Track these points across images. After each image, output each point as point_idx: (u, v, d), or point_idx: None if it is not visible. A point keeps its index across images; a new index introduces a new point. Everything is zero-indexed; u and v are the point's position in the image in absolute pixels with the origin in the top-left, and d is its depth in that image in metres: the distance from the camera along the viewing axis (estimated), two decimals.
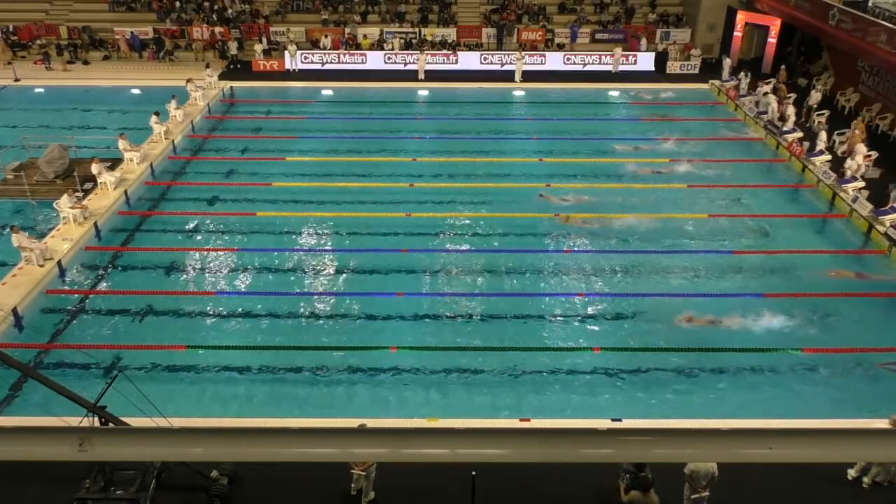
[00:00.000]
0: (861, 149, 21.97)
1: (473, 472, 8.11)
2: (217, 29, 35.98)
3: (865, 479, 11.42)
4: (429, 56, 33.97)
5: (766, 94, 27.69)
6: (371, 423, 11.48)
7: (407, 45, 35.46)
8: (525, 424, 12.83)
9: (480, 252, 19.01)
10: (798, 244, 19.40)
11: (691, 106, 30.77)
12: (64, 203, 19.09)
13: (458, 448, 3.93)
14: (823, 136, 23.72)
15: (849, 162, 22.01)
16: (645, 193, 22.32)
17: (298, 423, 12.65)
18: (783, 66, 30.44)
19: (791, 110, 25.86)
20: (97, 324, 16.10)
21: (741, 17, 34.24)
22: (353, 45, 35.26)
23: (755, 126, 27.34)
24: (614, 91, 32.50)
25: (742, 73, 30.45)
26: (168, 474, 11.11)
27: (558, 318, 16.17)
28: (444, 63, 34.43)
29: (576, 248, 19.12)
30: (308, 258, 18.80)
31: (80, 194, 20.48)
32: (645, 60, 34.61)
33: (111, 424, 10.05)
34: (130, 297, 16.87)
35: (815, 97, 27.48)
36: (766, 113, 27.15)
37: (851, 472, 11.57)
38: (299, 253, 19.03)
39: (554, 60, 34.60)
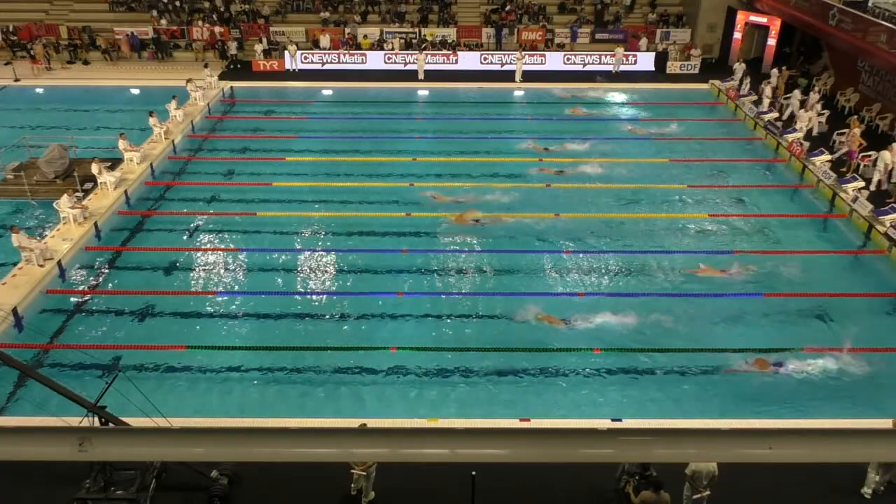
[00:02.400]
0: None
1: (473, 472, 8.11)
2: (217, 29, 36.00)
3: (866, 490, 11.34)
4: (429, 56, 33.99)
5: (789, 98, 27.33)
6: (371, 423, 11.50)
7: (407, 45, 35.47)
8: (525, 424, 12.83)
9: (480, 252, 19.00)
10: (798, 244, 19.41)
11: (691, 106, 30.79)
12: (64, 203, 19.09)
13: (458, 448, 3.92)
14: (802, 114, 23.97)
15: (887, 156, 21.63)
16: (647, 193, 22.34)
17: (298, 423, 12.65)
18: (785, 67, 30.48)
19: (810, 115, 25.71)
20: (97, 324, 16.11)
21: (741, 17, 34.25)
22: (353, 45, 35.27)
23: (755, 126, 27.35)
24: (614, 91, 32.53)
25: (774, 70, 30.37)
26: (168, 474, 11.12)
27: (558, 318, 16.13)
28: (444, 63, 34.46)
29: (574, 249, 19.12)
30: (308, 258, 18.81)
31: (80, 194, 20.48)
32: (645, 60, 34.64)
33: (111, 424, 10.05)
34: (130, 297, 16.87)
35: (813, 97, 27.43)
36: (766, 113, 27.15)
37: (867, 491, 11.33)
38: (299, 253, 19.04)
39: (554, 60, 34.62)
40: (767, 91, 28.27)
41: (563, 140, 26.28)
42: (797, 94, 27.55)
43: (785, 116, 27.11)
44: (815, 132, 25.74)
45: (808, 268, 18.11)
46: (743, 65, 31.63)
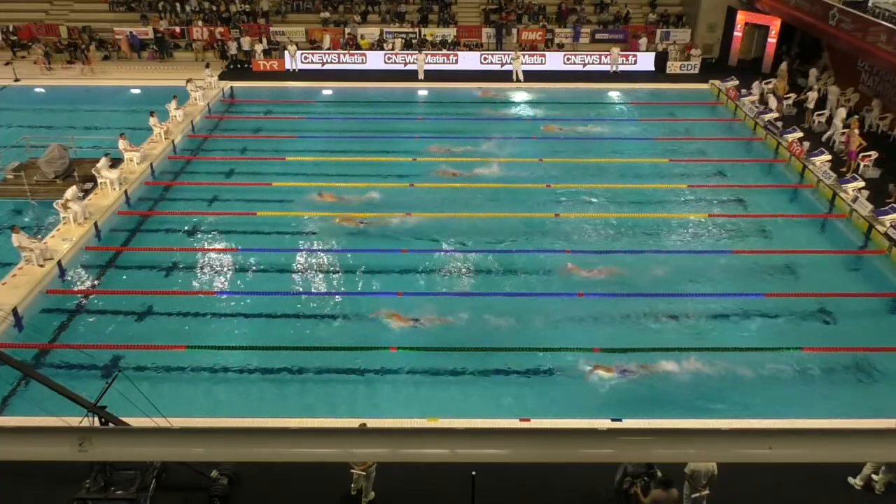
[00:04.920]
0: None
1: (473, 472, 8.11)
2: (217, 29, 36.00)
3: (857, 481, 11.40)
4: (429, 56, 33.98)
5: (827, 116, 26.92)
6: (371, 423, 11.48)
7: (407, 45, 35.46)
8: (525, 424, 12.83)
9: (480, 252, 18.99)
10: (798, 244, 19.40)
11: (691, 106, 30.79)
12: (71, 193, 19.06)
13: (458, 448, 3.92)
14: (841, 112, 24.39)
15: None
16: (647, 193, 22.36)
17: (298, 423, 12.65)
18: (784, 67, 30.43)
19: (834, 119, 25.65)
20: (97, 324, 16.10)
21: (741, 17, 34.24)
22: (353, 45, 35.26)
23: (755, 126, 27.33)
24: (613, 91, 32.53)
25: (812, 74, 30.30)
26: (168, 474, 11.12)
27: (558, 318, 16.13)
28: (443, 63, 34.44)
29: (573, 248, 19.10)
30: (308, 258, 18.80)
31: (80, 194, 20.46)
32: (645, 60, 34.63)
33: (111, 424, 10.05)
34: (130, 297, 16.86)
35: (812, 97, 27.42)
36: (765, 113, 27.13)
37: (857, 482, 11.42)
38: (299, 253, 19.02)
39: (554, 60, 34.60)
40: (768, 89, 28.26)
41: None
42: (835, 89, 27.37)
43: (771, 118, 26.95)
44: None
45: (808, 268, 18.11)
46: (784, 64, 31.33)
